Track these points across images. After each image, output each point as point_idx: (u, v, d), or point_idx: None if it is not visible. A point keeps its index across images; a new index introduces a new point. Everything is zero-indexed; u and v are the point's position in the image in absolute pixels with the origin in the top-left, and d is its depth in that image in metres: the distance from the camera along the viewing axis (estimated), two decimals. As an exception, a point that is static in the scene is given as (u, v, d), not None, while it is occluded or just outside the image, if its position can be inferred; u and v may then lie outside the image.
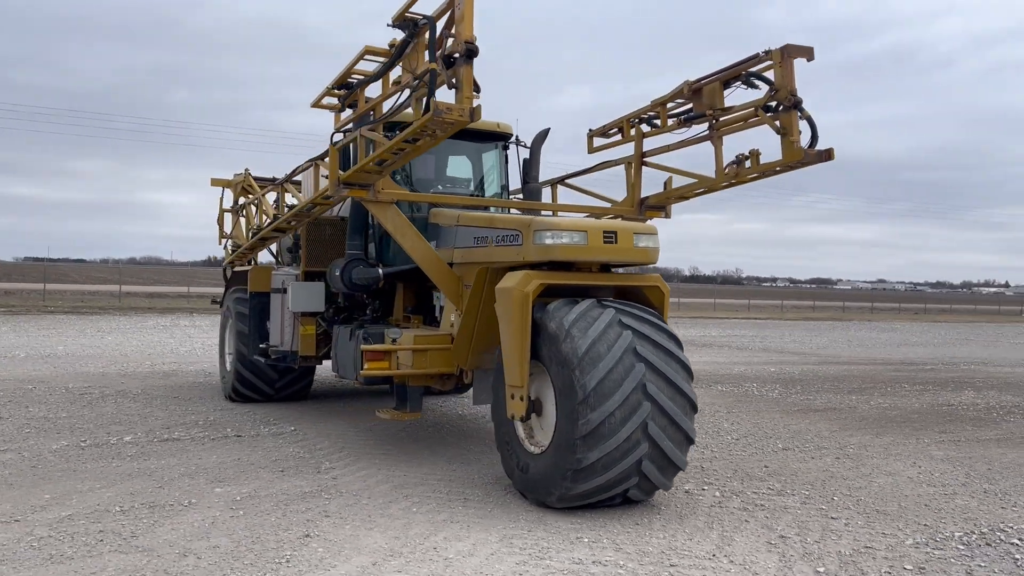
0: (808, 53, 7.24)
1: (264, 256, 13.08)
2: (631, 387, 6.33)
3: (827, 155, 7.21)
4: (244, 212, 13.15)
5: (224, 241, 14.00)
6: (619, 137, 9.26)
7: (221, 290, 14.35)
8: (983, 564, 5.73)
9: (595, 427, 6.25)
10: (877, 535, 6.34)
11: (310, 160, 9.63)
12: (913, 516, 6.88)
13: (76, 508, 6.44)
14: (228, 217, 13.98)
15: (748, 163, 7.73)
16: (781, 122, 7.29)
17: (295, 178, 10.17)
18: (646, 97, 8.76)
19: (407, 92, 6.82)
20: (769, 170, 7.62)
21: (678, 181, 8.81)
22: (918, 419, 12.32)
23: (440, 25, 6.25)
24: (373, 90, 8.43)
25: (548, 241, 7.03)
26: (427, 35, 6.33)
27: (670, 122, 8.46)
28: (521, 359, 6.79)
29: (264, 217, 11.36)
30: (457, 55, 5.90)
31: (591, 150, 9.77)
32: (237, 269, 12.89)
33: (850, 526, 6.56)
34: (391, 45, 7.20)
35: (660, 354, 6.57)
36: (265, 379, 11.57)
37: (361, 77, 7.98)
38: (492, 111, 8.84)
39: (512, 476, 7.20)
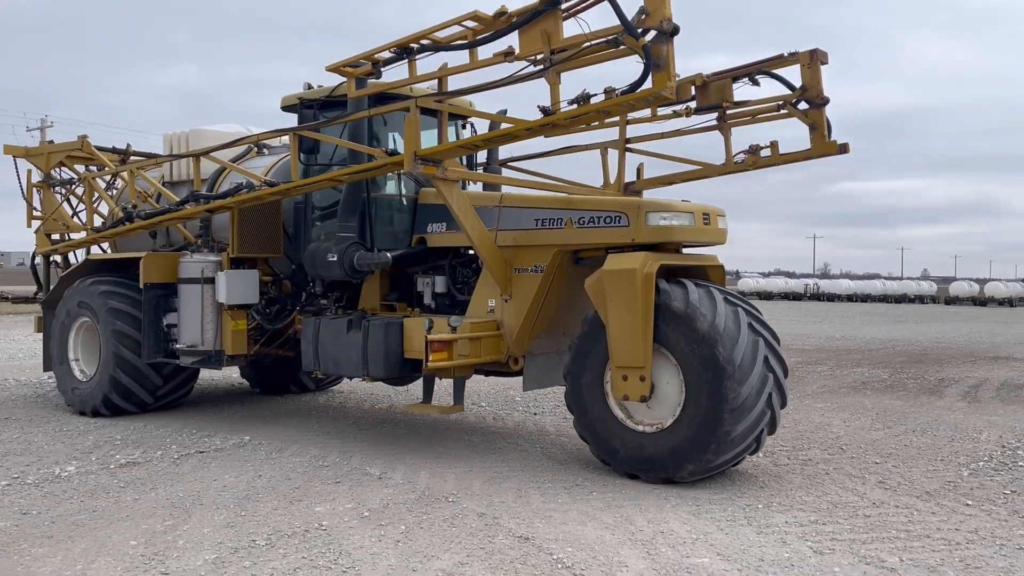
0: (826, 58, 8.15)
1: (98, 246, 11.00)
2: (761, 360, 6.77)
3: (846, 148, 8.20)
4: (74, 189, 10.98)
5: (37, 224, 11.47)
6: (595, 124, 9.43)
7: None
8: None
9: (743, 400, 6.59)
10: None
11: (279, 130, 8.55)
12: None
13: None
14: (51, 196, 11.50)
15: (767, 152, 8.44)
16: (812, 118, 8.11)
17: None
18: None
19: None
20: (788, 160, 8.42)
21: (657, 168, 9.31)
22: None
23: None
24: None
25: (662, 222, 7.15)
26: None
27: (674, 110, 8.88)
28: (645, 339, 6.84)
29: (134, 196, 9.76)
30: (655, 31, 5.89)
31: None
32: (95, 257, 10.70)
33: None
34: (500, 13, 6.73)
35: (763, 327, 7.08)
36: (148, 386, 9.83)
37: (427, 41, 7.21)
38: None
39: (612, 459, 7.19)
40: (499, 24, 6.70)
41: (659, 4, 5.88)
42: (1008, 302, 61.16)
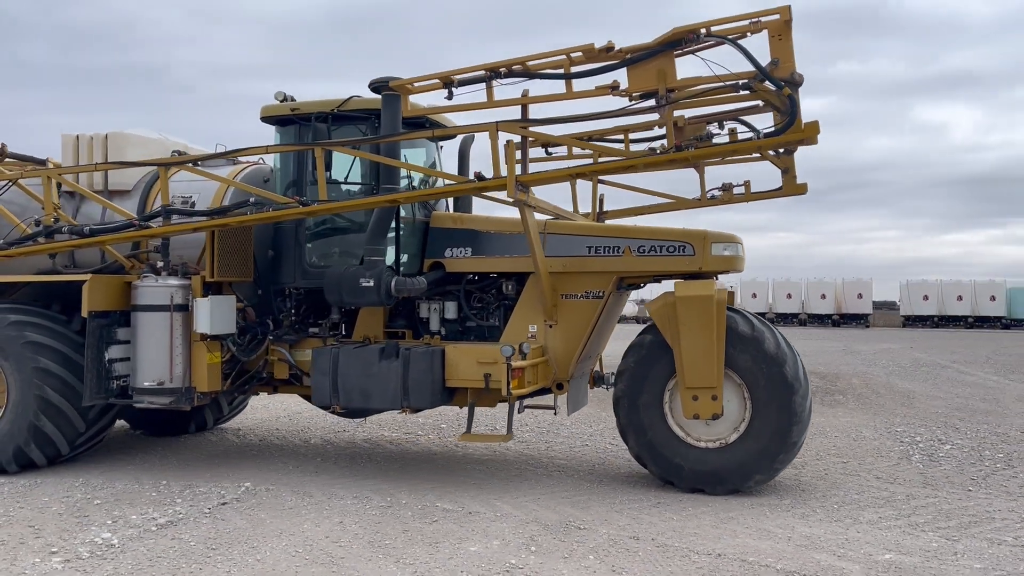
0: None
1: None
2: (805, 373, 7.65)
3: (803, 189, 9.35)
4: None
5: None
6: (564, 153, 9.75)
7: None
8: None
9: (805, 411, 7.42)
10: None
11: (305, 144, 7.80)
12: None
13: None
14: None
15: (740, 190, 9.34)
16: (785, 162, 9.13)
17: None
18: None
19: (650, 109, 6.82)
20: (759, 198, 9.37)
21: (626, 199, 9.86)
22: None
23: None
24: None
25: (725, 252, 7.71)
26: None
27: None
28: (718, 361, 7.37)
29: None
30: (784, 81, 6.54)
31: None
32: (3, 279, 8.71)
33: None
34: (608, 48, 6.89)
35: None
36: (70, 434, 8.29)
37: (519, 67, 7.07)
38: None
39: (676, 477, 7.58)
40: (607, 58, 6.89)
41: (789, 56, 6.52)
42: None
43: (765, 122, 8.23)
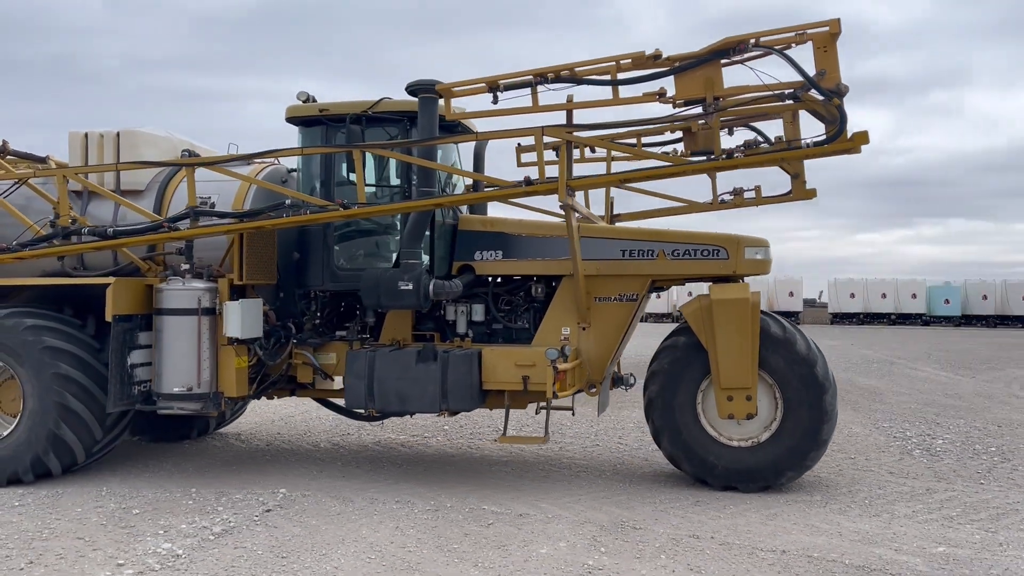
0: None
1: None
2: (832, 374, 7.93)
3: (814, 193, 9.65)
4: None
5: None
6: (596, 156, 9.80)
7: None
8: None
9: (835, 410, 7.70)
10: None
11: (347, 145, 7.70)
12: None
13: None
14: None
15: (751, 194, 9.58)
16: (795, 168, 9.41)
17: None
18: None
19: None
20: (769, 203, 9.63)
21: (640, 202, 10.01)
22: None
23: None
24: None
25: (757, 256, 7.92)
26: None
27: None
28: (753, 362, 7.59)
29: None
30: (831, 91, 6.78)
31: (521, 164, 10.06)
32: (6, 282, 8.33)
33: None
34: (656, 56, 7.01)
35: None
36: (87, 441, 8.05)
37: (567, 73, 7.12)
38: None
39: (709, 475, 7.76)
40: (655, 65, 7.02)
41: (835, 68, 6.75)
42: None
43: (775, 128, 8.58)
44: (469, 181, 9.27)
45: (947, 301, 51.38)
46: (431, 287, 7.72)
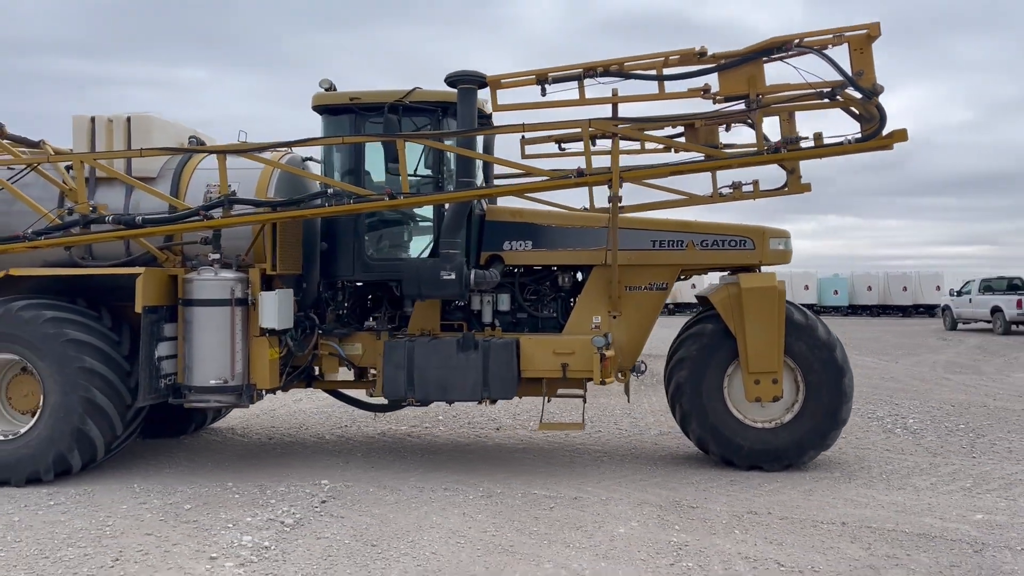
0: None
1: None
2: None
3: (809, 188, 10.14)
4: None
5: None
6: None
7: None
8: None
9: (852, 391, 8.18)
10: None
11: (388, 135, 7.63)
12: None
13: None
14: None
15: (749, 188, 9.97)
16: (790, 164, 9.88)
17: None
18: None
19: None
20: (766, 196, 10.06)
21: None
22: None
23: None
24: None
25: (780, 247, 8.30)
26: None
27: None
28: (779, 347, 7.98)
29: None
30: (868, 90, 7.22)
31: (525, 156, 10.18)
32: (27, 272, 7.86)
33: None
34: (702, 53, 7.27)
35: None
36: (108, 436, 7.77)
37: (616, 67, 7.28)
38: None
39: (735, 456, 8.12)
40: (701, 62, 7.30)
41: (871, 68, 7.18)
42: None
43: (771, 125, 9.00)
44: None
45: (836, 292, 54.05)
46: (472, 277, 7.80)
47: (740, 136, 10.04)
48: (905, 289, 50.46)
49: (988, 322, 30.83)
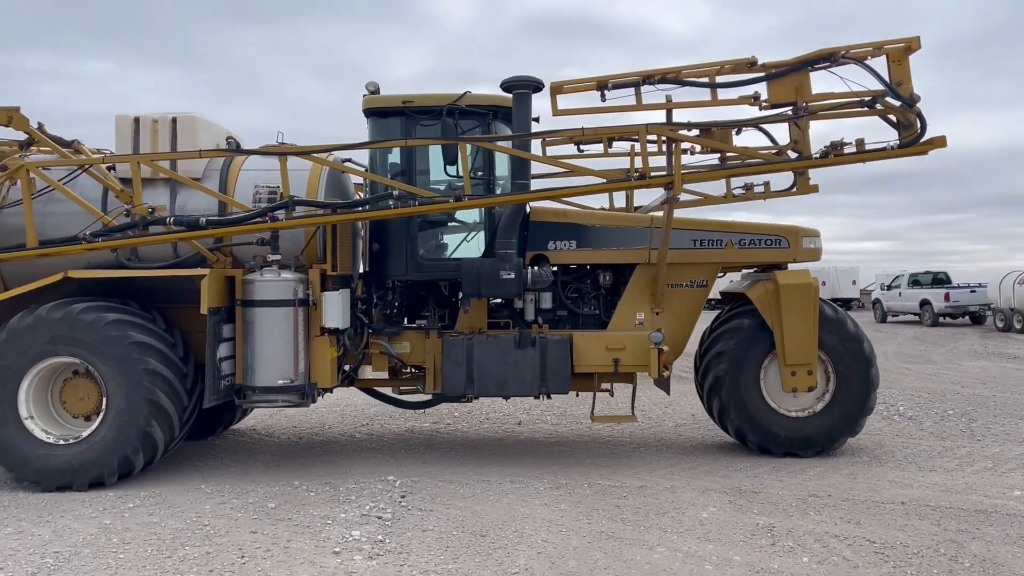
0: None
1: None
2: None
3: (815, 188, 10.67)
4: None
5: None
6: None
7: None
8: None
9: (878, 380, 8.74)
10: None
11: (456, 138, 7.79)
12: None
13: None
14: None
15: (760, 189, 10.47)
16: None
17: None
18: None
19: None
20: (776, 196, 10.57)
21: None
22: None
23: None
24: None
25: (812, 245, 8.79)
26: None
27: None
28: (814, 340, 8.46)
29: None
30: (907, 99, 7.74)
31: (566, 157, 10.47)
32: (87, 275, 7.70)
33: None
34: (752, 62, 7.67)
35: None
36: (167, 438, 7.74)
37: (673, 75, 7.61)
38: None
39: (772, 443, 8.58)
40: (752, 71, 7.71)
41: (908, 78, 7.70)
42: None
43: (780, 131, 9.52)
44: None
45: (792, 285, 55.91)
46: (530, 275, 8.06)
47: (750, 140, 10.51)
48: (824, 284, 52.38)
49: (917, 315, 32.49)
